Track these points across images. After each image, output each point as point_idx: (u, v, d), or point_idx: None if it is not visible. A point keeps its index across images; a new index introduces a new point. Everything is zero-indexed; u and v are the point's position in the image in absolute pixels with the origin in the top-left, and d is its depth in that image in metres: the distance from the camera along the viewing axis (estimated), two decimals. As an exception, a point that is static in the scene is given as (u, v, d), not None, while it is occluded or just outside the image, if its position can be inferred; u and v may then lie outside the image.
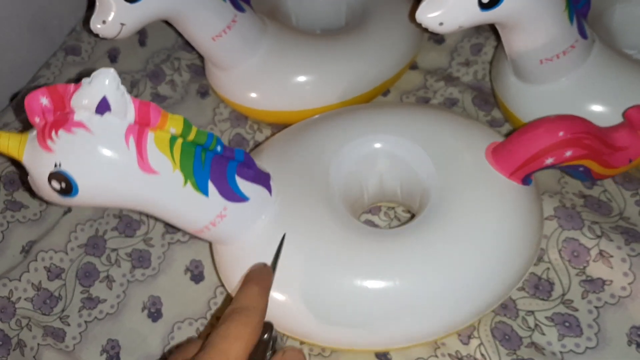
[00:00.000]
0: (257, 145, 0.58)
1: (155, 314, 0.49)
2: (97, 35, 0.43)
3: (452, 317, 0.40)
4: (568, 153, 0.39)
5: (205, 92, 0.61)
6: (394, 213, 0.51)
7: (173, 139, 0.34)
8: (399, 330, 0.40)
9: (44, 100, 0.31)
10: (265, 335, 0.33)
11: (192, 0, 0.47)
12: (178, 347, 0.30)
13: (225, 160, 0.37)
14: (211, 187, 0.36)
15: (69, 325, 0.50)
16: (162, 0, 0.45)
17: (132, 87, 0.63)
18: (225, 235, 0.40)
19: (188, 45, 0.63)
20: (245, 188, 0.38)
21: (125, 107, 0.31)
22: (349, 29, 0.57)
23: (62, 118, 0.31)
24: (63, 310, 0.50)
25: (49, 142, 0.31)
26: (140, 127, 0.33)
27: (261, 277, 0.36)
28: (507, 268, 0.40)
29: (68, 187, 0.32)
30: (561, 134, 0.39)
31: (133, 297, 0.50)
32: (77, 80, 0.31)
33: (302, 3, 0.61)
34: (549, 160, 0.40)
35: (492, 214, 0.40)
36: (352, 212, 0.45)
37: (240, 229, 0.40)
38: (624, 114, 0.43)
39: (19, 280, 0.51)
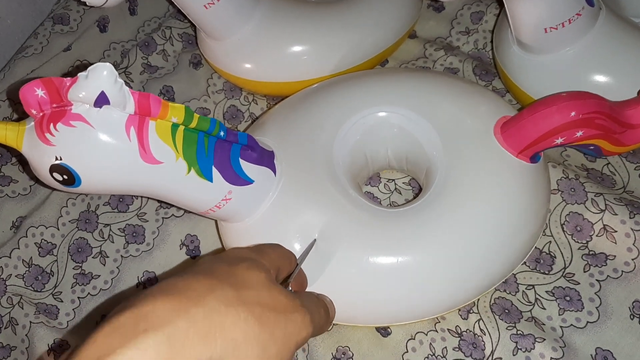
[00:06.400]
0: (253, 117, 0.56)
1: (150, 290, 0.48)
2: (85, 4, 0.42)
3: (456, 294, 0.40)
4: (579, 133, 0.38)
5: (198, 62, 0.60)
6: (394, 185, 0.50)
7: (175, 127, 0.33)
8: (404, 306, 0.39)
9: (40, 92, 0.30)
10: None
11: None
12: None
13: (228, 144, 0.37)
14: (215, 172, 0.36)
15: (61, 301, 0.49)
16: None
17: (122, 57, 0.61)
18: (230, 215, 0.40)
19: (180, 14, 0.61)
20: (250, 171, 0.38)
21: (124, 100, 0.31)
22: (345, -3, 0.55)
23: (60, 111, 0.31)
24: (55, 287, 0.49)
25: (48, 135, 0.31)
26: (140, 118, 0.32)
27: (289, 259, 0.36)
28: (513, 246, 0.40)
29: (70, 179, 0.32)
30: (573, 114, 0.37)
31: (127, 272, 0.49)
32: (71, 74, 0.30)
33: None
34: (559, 140, 0.38)
35: (499, 194, 0.39)
36: (356, 182, 0.44)
37: (245, 209, 0.40)
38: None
39: (9, 257, 0.50)
